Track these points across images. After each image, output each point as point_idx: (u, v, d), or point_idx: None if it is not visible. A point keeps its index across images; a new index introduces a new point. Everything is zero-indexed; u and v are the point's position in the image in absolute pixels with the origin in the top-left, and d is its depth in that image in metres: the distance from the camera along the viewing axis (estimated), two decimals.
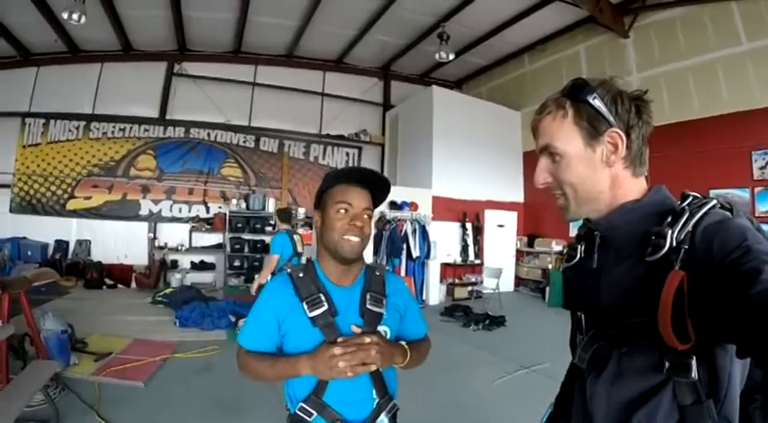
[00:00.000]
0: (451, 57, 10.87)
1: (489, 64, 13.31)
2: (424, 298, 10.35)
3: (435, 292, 10.63)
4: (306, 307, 1.42)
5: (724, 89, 8.23)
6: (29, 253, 10.14)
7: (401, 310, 1.60)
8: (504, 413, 4.37)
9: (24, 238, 10.33)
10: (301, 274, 1.50)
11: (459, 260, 11.32)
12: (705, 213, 0.90)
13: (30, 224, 10.56)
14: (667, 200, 1.01)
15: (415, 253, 10.02)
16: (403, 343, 1.53)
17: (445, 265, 11.06)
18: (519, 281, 12.12)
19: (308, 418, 1.40)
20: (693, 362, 0.84)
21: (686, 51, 8.78)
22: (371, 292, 1.51)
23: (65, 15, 8.14)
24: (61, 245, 10.61)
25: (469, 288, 10.85)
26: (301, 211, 11.71)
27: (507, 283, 11.55)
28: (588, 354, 1.04)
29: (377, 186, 1.53)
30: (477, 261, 11.51)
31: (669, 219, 0.93)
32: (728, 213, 0.92)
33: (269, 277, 6.12)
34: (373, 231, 7.86)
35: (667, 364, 0.87)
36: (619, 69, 9.72)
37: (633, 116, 1.02)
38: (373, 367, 1.35)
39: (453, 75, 14.30)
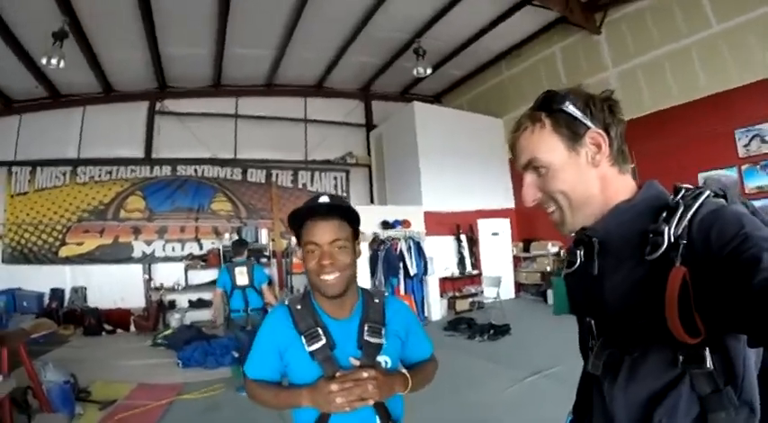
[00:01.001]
0: (429, 71, 11.00)
1: (467, 74, 13.43)
2: (426, 315, 10.29)
3: (437, 308, 10.60)
4: (304, 341, 1.44)
5: (700, 73, 8.38)
6: (24, 304, 9.98)
7: (402, 336, 1.60)
8: (517, 421, 4.33)
9: (19, 288, 10.18)
10: (299, 307, 1.52)
11: (457, 273, 11.33)
12: (700, 205, 0.89)
13: (23, 274, 10.42)
14: (661, 195, 1.01)
15: (413, 270, 9.99)
16: (404, 370, 1.55)
17: (444, 280, 11.04)
18: (519, 287, 12.09)
19: None
20: (707, 352, 0.83)
21: (659, 40, 8.96)
22: (369, 322, 1.52)
23: (43, 61, 8.17)
24: (57, 293, 10.46)
25: (470, 300, 10.84)
26: (294, 240, 11.69)
27: (508, 291, 11.53)
28: (601, 360, 1.04)
29: (341, 212, 1.47)
30: (476, 272, 11.52)
31: (664, 214, 0.93)
32: (723, 200, 0.91)
33: (219, 312, 6.20)
34: (367, 253, 7.87)
35: (681, 358, 0.87)
36: (595, 66, 9.94)
37: (608, 115, 1.03)
38: (371, 402, 1.37)
39: (432, 89, 14.43)
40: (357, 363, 1.42)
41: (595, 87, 1.07)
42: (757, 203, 0.92)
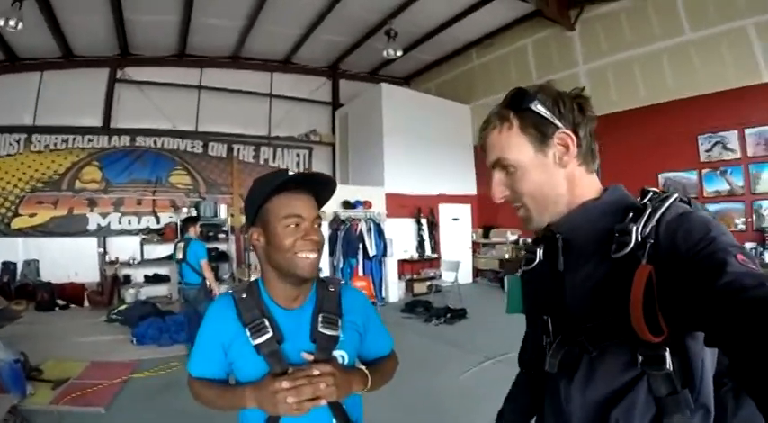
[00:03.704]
0: (399, 53, 10.94)
1: (438, 59, 13.43)
2: (383, 296, 10.40)
3: (395, 290, 10.73)
4: (249, 333, 1.28)
5: (669, 77, 8.63)
6: None
7: (360, 329, 1.44)
8: (473, 405, 4.44)
9: None
10: (244, 295, 1.35)
11: (416, 256, 11.45)
12: (668, 207, 0.91)
13: None
14: (626, 197, 1.03)
15: (372, 252, 10.04)
16: (362, 367, 1.40)
17: (403, 262, 11.15)
18: (477, 272, 12.34)
19: None
20: (667, 353, 0.84)
21: (632, 42, 9.16)
22: (324, 312, 1.35)
23: (0, 22, 7.75)
24: (9, 267, 10.01)
25: (429, 283, 10.97)
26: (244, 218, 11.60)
27: (466, 275, 11.79)
28: (557, 359, 1.03)
29: (321, 187, 1.36)
30: (435, 255, 11.67)
31: (631, 215, 0.94)
32: (688, 206, 0.93)
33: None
34: (327, 232, 7.93)
35: (641, 359, 0.87)
36: (566, 62, 10.09)
37: (577, 114, 1.02)
38: (323, 402, 1.21)
39: (402, 71, 14.37)
40: (311, 358, 1.26)
41: (565, 83, 1.06)
42: (714, 207, 0.96)
